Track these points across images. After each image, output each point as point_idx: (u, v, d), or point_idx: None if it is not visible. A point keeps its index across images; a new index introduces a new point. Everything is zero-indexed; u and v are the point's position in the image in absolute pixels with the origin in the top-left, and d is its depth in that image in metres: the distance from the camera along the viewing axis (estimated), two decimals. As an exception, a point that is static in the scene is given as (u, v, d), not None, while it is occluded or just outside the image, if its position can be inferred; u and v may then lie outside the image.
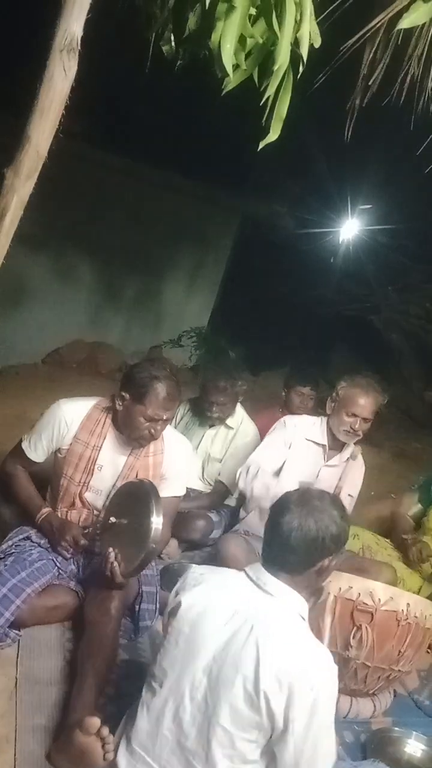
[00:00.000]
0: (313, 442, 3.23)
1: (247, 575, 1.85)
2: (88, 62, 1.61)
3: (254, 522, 3.14)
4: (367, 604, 2.45)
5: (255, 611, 1.76)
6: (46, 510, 2.63)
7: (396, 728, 2.51)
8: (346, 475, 3.27)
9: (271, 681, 1.65)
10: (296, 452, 3.20)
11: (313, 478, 3.18)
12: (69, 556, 2.59)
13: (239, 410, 3.74)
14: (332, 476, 3.23)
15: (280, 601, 1.78)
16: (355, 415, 3.12)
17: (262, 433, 3.66)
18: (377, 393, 3.19)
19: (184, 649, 1.79)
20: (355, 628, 2.46)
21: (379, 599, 2.46)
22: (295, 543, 1.78)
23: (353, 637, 2.46)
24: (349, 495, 3.28)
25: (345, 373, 3.35)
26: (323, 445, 3.23)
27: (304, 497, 1.87)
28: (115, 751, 1.87)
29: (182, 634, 1.80)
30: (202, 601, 1.81)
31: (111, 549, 2.37)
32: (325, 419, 3.25)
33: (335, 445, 3.24)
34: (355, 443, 3.26)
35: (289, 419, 3.35)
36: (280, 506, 1.86)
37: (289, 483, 3.02)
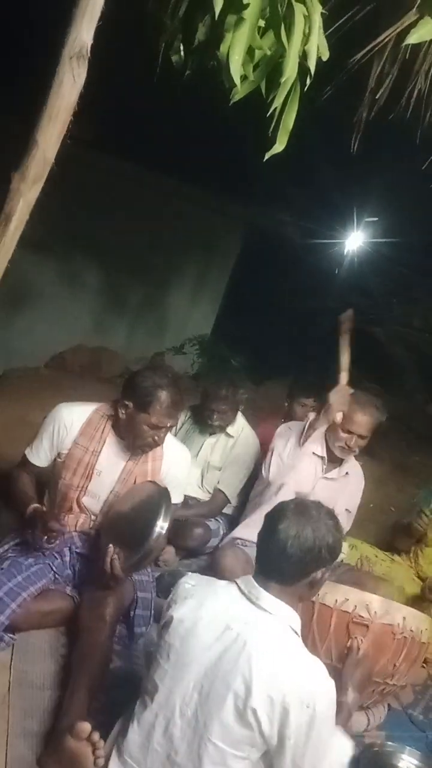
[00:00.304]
0: (311, 452, 3.18)
1: (239, 588, 1.84)
2: (97, 69, 1.63)
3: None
4: (362, 617, 2.44)
5: (246, 627, 1.75)
6: (33, 506, 2.51)
7: (389, 743, 2.49)
8: (344, 490, 3.26)
9: (263, 699, 1.64)
10: (292, 459, 3.15)
11: (309, 488, 3.14)
12: (50, 545, 2.45)
13: (240, 419, 3.73)
14: (329, 489, 3.18)
15: (272, 617, 1.77)
16: (351, 432, 3.09)
17: (264, 442, 3.66)
18: (376, 411, 3.14)
19: (174, 663, 1.78)
20: (350, 640, 2.45)
21: (375, 612, 2.45)
22: (292, 551, 1.78)
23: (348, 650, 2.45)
24: (347, 510, 3.27)
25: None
26: (322, 458, 3.20)
27: (301, 507, 1.87)
28: (107, 760, 1.86)
29: (173, 648, 1.79)
30: (193, 616, 1.80)
31: (111, 545, 2.38)
32: (322, 431, 3.19)
33: (334, 458, 3.20)
34: (355, 457, 3.25)
35: (293, 424, 3.31)
36: (277, 514, 1.85)
37: (285, 491, 3.02)
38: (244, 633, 1.73)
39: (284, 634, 1.76)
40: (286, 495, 3.06)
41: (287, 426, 3.33)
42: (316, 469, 3.21)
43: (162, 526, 2.36)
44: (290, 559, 1.78)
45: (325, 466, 3.21)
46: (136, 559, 2.37)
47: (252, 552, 2.98)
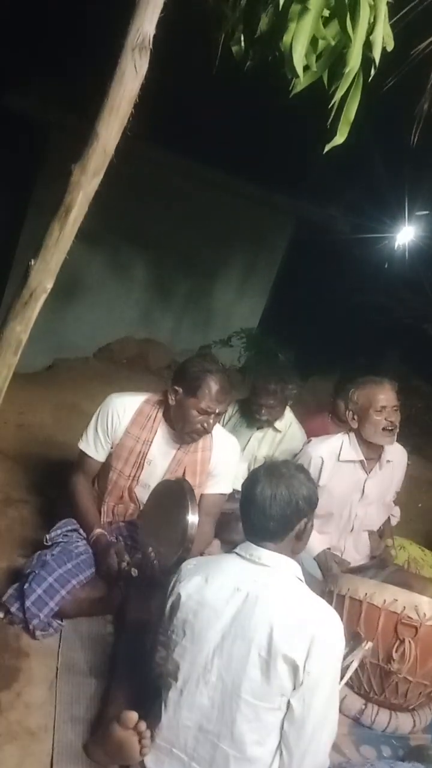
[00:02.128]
0: (349, 461, 3.09)
1: (238, 554, 1.94)
2: (155, 61, 1.62)
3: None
4: (411, 618, 2.41)
5: (255, 584, 1.84)
6: (97, 531, 2.59)
7: (436, 746, 2.46)
8: (393, 476, 3.23)
9: (288, 639, 1.74)
10: (332, 480, 3.06)
11: (359, 494, 3.11)
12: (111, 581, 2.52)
13: (288, 414, 3.71)
14: (378, 485, 3.16)
15: (276, 570, 1.88)
16: (384, 408, 3.01)
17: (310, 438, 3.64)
18: (387, 380, 3.11)
19: (190, 637, 1.86)
20: (398, 641, 2.42)
21: (425, 614, 2.41)
22: (272, 510, 1.89)
23: (396, 651, 2.42)
24: (396, 492, 3.26)
25: (394, 381, 3.25)
26: (360, 461, 3.11)
27: (271, 468, 1.99)
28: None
29: (187, 623, 1.87)
30: (201, 588, 1.89)
31: (150, 549, 2.41)
32: (352, 435, 3.11)
33: (372, 455, 3.12)
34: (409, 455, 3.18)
35: (311, 448, 3.16)
36: (251, 481, 1.97)
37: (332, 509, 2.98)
38: (254, 590, 1.83)
39: (291, 583, 1.88)
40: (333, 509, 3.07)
41: (317, 453, 3.14)
42: (358, 474, 3.12)
43: (192, 521, 2.36)
44: (273, 517, 1.89)
45: (366, 468, 3.13)
46: (174, 561, 2.37)
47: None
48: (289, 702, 1.77)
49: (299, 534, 1.95)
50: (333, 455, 3.09)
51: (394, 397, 3.05)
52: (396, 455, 3.20)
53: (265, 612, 1.78)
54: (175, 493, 2.48)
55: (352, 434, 3.12)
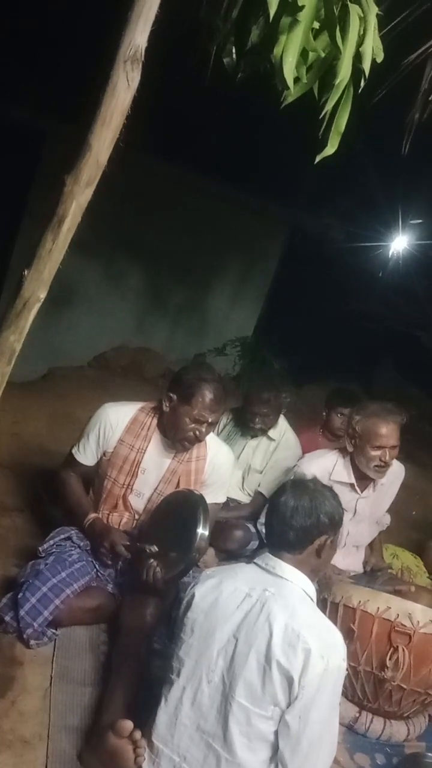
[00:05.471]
0: (340, 482, 3.02)
1: (256, 563, 1.99)
2: (147, 72, 1.63)
3: None
4: (405, 626, 2.41)
5: (265, 592, 1.88)
6: (93, 515, 2.64)
7: (430, 754, 2.46)
8: (387, 492, 3.21)
9: (284, 648, 1.75)
10: None
11: (351, 513, 3.05)
12: (109, 562, 2.60)
13: (282, 422, 3.71)
14: (370, 505, 3.13)
15: (288, 582, 1.91)
16: (381, 447, 2.93)
17: (303, 450, 3.65)
18: (396, 415, 3.01)
19: (199, 636, 1.90)
20: (391, 649, 2.42)
21: (418, 621, 2.42)
22: (293, 520, 1.95)
23: (389, 659, 2.42)
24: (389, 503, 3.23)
25: (388, 388, 3.25)
26: (351, 484, 3.06)
27: (297, 482, 2.08)
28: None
29: (197, 622, 1.91)
30: (215, 591, 1.93)
31: (151, 559, 2.40)
32: (347, 456, 3.05)
33: (365, 478, 3.04)
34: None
35: (305, 465, 3.09)
36: (277, 492, 2.06)
37: None
38: (263, 597, 1.87)
39: (299, 596, 1.90)
40: None
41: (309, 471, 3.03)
42: (350, 494, 3.06)
43: (203, 534, 2.37)
44: (293, 527, 1.94)
45: (358, 488, 3.07)
46: (178, 570, 2.38)
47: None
48: (284, 718, 1.76)
49: (319, 550, 1.97)
50: (326, 473, 3.03)
51: (396, 437, 2.96)
52: (391, 475, 3.12)
53: (268, 619, 1.81)
54: (187, 504, 2.49)
55: (347, 456, 3.06)
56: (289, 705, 1.76)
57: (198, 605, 1.93)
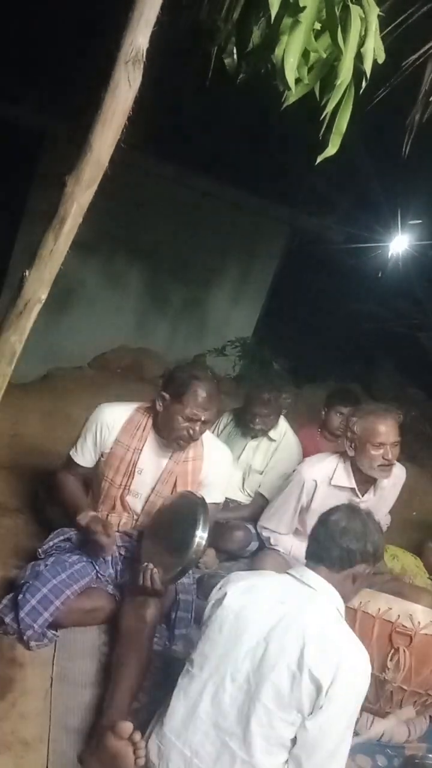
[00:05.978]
0: (340, 487, 3.02)
1: (290, 574, 2.02)
2: (148, 72, 1.63)
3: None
4: (406, 627, 2.41)
5: (298, 601, 1.93)
6: (91, 514, 2.58)
7: (431, 755, 2.46)
8: (389, 494, 3.20)
9: (318, 657, 1.79)
10: (324, 502, 2.89)
11: None
12: (106, 554, 2.54)
13: (282, 423, 3.71)
14: (372, 507, 3.03)
15: (321, 595, 1.96)
16: (382, 444, 2.91)
17: (303, 450, 3.64)
18: (393, 413, 3.00)
19: (227, 635, 1.92)
20: (392, 650, 2.42)
21: (419, 622, 2.42)
22: (342, 540, 2.00)
23: (390, 660, 2.42)
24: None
25: (388, 389, 3.24)
26: (352, 489, 3.03)
27: (353, 507, 2.15)
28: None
29: (227, 621, 1.94)
30: (248, 593, 1.97)
31: (148, 562, 2.39)
32: (347, 460, 3.03)
33: (366, 481, 3.03)
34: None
35: (305, 470, 3.09)
36: (330, 511, 2.12)
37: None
38: (297, 606, 1.91)
39: (330, 611, 1.95)
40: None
41: (311, 476, 3.07)
42: (351, 499, 2.99)
43: (201, 536, 2.36)
44: (339, 545, 2.00)
45: (358, 492, 3.04)
46: (176, 572, 2.37)
47: (289, 559, 2.97)
48: (304, 724, 1.79)
49: (355, 577, 2.02)
50: (326, 478, 3.02)
51: (396, 432, 2.94)
52: (392, 477, 3.09)
53: (301, 629, 1.85)
54: (187, 506, 2.49)
55: (348, 460, 3.03)
56: (311, 713, 1.79)
57: (230, 605, 1.96)
